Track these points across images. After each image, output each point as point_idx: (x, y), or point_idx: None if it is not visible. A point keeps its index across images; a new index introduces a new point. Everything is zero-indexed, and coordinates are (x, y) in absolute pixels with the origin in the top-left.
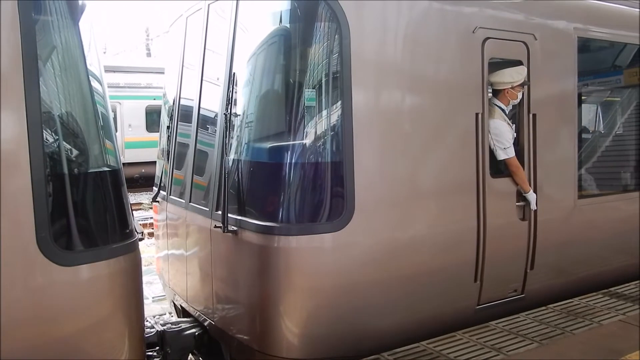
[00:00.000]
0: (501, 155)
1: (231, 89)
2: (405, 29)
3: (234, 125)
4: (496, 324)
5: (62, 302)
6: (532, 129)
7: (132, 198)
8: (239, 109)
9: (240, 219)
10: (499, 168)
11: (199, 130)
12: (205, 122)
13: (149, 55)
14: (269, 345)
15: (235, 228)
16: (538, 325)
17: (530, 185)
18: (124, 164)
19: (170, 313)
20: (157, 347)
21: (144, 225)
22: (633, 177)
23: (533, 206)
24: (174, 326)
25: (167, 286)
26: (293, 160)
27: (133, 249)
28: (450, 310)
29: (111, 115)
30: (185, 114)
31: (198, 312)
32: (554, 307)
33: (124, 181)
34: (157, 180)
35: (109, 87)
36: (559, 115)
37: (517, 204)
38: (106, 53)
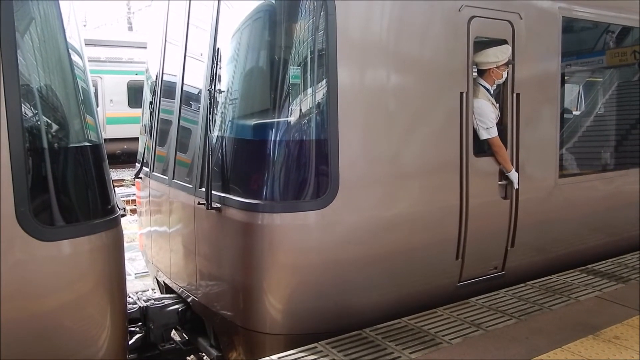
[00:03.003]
0: (484, 135)
1: (215, 65)
2: (391, 6)
3: (217, 101)
4: (476, 300)
5: (43, 278)
6: (515, 109)
7: (114, 174)
8: (223, 85)
9: (224, 196)
10: (482, 147)
11: (182, 107)
12: (189, 98)
13: (130, 29)
14: (252, 322)
15: (219, 205)
16: (517, 301)
17: (512, 165)
18: (105, 139)
19: (153, 289)
20: (140, 323)
21: (127, 202)
22: (612, 157)
23: (515, 185)
24: (157, 302)
25: (150, 262)
26: (278, 138)
27: (115, 225)
28: (432, 287)
29: (92, 89)
30: (168, 90)
31: (181, 289)
32: (533, 284)
33: (105, 156)
34: (139, 157)
35: (89, 61)
36: (542, 95)
37: (499, 182)
38: (86, 26)
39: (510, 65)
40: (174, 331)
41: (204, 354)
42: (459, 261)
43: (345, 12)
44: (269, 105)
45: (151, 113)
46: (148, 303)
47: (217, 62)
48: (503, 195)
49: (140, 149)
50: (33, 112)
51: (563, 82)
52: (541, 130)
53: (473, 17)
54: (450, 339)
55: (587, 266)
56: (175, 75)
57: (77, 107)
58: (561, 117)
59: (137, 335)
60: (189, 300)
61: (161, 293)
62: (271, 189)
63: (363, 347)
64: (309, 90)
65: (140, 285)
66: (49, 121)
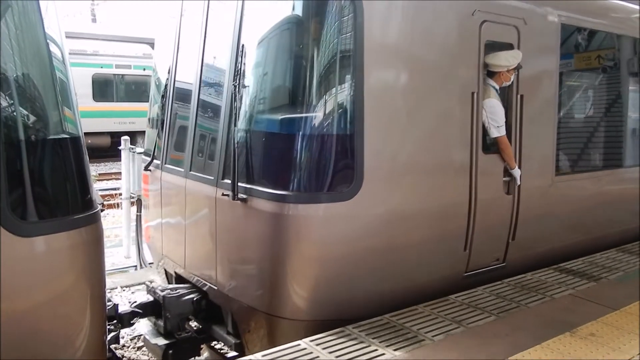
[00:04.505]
0: (494, 133)
1: (240, 61)
2: (412, 8)
3: (242, 96)
4: (456, 297)
5: (20, 275)
6: (519, 110)
7: None
8: (250, 81)
9: (250, 187)
10: (487, 145)
11: (200, 101)
12: (208, 93)
13: (94, 21)
14: (277, 308)
15: (244, 196)
16: (495, 298)
17: (515, 162)
18: None
19: (122, 287)
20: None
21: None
22: (602, 157)
23: (518, 181)
24: (172, 292)
25: (158, 253)
26: (308, 132)
27: (95, 221)
28: (442, 277)
29: (72, 82)
30: (183, 84)
31: (197, 278)
32: (509, 281)
33: (85, 150)
34: (147, 149)
35: None
36: (542, 97)
37: (503, 179)
38: None
39: (518, 70)
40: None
41: (216, 342)
42: (466, 252)
43: (372, 13)
44: (298, 101)
45: (163, 106)
46: (164, 293)
47: (242, 58)
48: (506, 191)
49: (148, 142)
50: (8, 103)
51: (560, 85)
52: (541, 130)
53: (484, 21)
54: (433, 336)
55: (560, 265)
56: (191, 70)
57: (54, 99)
58: (558, 119)
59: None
60: (205, 288)
61: (169, 283)
62: (299, 181)
63: (347, 343)
64: (338, 88)
65: (109, 283)
66: (26, 112)
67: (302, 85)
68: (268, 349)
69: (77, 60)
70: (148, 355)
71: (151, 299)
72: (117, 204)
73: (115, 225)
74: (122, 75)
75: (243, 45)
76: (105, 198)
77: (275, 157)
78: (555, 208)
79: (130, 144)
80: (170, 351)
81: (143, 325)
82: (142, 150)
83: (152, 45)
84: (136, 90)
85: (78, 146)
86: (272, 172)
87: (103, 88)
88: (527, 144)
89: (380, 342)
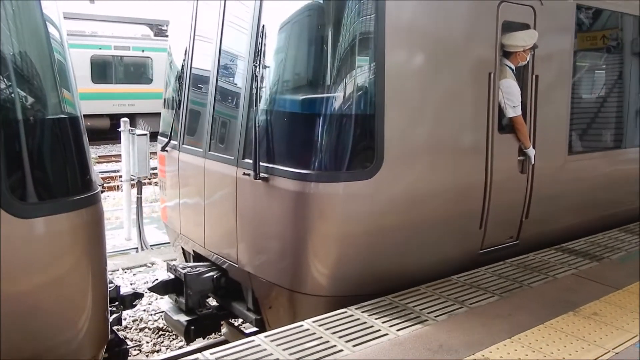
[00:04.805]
0: (510, 113)
1: (261, 42)
2: None
3: (263, 77)
4: (458, 278)
5: (20, 256)
6: (534, 90)
7: None
8: (269, 61)
9: (271, 167)
10: (502, 125)
11: (218, 82)
12: (227, 74)
13: (92, 1)
14: (299, 284)
15: (266, 175)
16: (497, 279)
17: (529, 142)
18: None
19: (123, 269)
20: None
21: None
22: (613, 137)
23: (532, 161)
24: (193, 270)
25: (176, 232)
26: (330, 112)
27: (95, 202)
28: (458, 254)
29: (70, 62)
30: (201, 65)
31: (216, 256)
32: (511, 261)
33: (84, 130)
34: (163, 130)
35: None
36: (556, 78)
37: (518, 158)
38: None
39: (534, 49)
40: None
41: (234, 319)
42: (481, 230)
43: None
44: (319, 81)
45: (180, 87)
46: (185, 270)
47: (262, 38)
48: (520, 170)
49: (164, 124)
50: (7, 84)
51: (575, 66)
52: (555, 110)
53: (502, 1)
54: (436, 316)
55: (562, 245)
56: (209, 51)
57: (53, 79)
58: (571, 99)
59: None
60: (224, 266)
61: (186, 262)
62: (321, 160)
63: (350, 324)
64: (359, 69)
65: (110, 265)
66: (24, 93)
67: (324, 65)
68: (289, 324)
69: (75, 42)
70: (150, 337)
71: (172, 276)
72: (117, 187)
73: (115, 207)
74: (121, 56)
75: (264, 26)
76: (106, 180)
77: (297, 137)
78: (567, 187)
79: (130, 126)
80: (192, 327)
81: (164, 303)
82: (141, 132)
83: (151, 26)
84: (135, 71)
85: (77, 127)
86: (294, 152)
87: (102, 70)
88: (541, 124)
89: (383, 323)
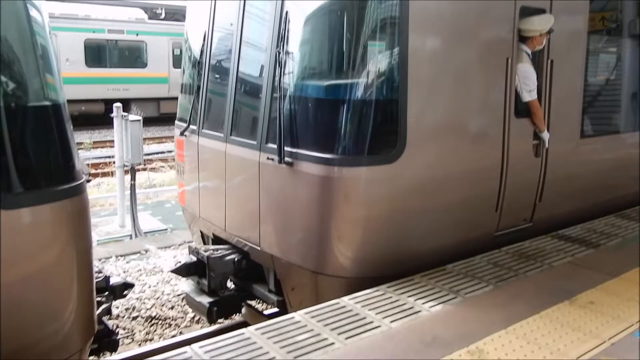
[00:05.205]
0: (526, 97)
1: (284, 27)
2: None
3: (286, 62)
4: (453, 267)
5: (3, 248)
6: (549, 74)
7: None
8: (293, 47)
9: (295, 152)
10: (518, 109)
11: (240, 67)
12: (249, 59)
13: None
14: (323, 266)
15: (290, 160)
16: (492, 267)
17: (544, 125)
18: None
19: (116, 256)
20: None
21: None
22: (624, 120)
23: (546, 144)
24: (215, 252)
25: (194, 216)
26: (355, 97)
27: (80, 192)
28: (476, 236)
29: (51, 46)
30: (221, 50)
31: (237, 239)
32: (507, 249)
33: (68, 117)
34: (181, 115)
35: None
36: (571, 62)
37: (532, 142)
38: None
39: (550, 34)
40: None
41: (254, 301)
42: (497, 213)
43: None
44: (343, 67)
45: (199, 72)
46: (208, 253)
47: (286, 24)
48: (535, 153)
49: (182, 109)
50: None
51: (588, 51)
52: (569, 94)
53: None
54: (430, 307)
55: (558, 232)
56: (230, 36)
57: (35, 64)
58: (584, 83)
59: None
60: (245, 249)
61: (204, 244)
62: (346, 144)
63: (343, 315)
64: (382, 54)
65: (103, 252)
66: (4, 79)
67: (348, 51)
68: (313, 305)
69: (68, 25)
70: (143, 325)
71: (194, 259)
72: (112, 172)
73: (110, 193)
74: (115, 40)
75: (287, 12)
76: (100, 166)
77: (321, 123)
78: (580, 169)
79: (125, 111)
80: (215, 308)
81: (185, 285)
82: (134, 118)
83: (145, 9)
84: (130, 55)
85: (60, 114)
86: (319, 137)
87: (95, 53)
88: (555, 108)
89: (376, 314)
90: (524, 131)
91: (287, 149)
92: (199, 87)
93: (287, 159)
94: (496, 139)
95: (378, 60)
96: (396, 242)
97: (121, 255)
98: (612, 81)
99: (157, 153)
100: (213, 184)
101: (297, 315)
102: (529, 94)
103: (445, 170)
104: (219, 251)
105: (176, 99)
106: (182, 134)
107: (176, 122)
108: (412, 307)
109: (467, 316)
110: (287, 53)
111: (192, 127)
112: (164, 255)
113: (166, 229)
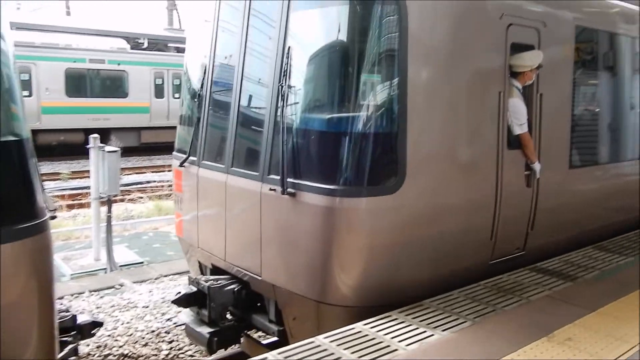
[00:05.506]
0: (517, 130)
1: (286, 62)
2: (451, 14)
3: (289, 96)
4: (431, 302)
5: None
6: (539, 107)
7: (50, 167)
8: (295, 81)
9: (297, 182)
10: (511, 141)
11: (241, 100)
12: (251, 92)
13: (68, 14)
14: (326, 295)
15: (293, 191)
16: (471, 302)
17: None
18: (40, 130)
19: (90, 291)
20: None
21: (62, 197)
22: (611, 151)
23: (538, 175)
24: (215, 283)
25: (192, 246)
26: (356, 130)
27: (42, 230)
28: (472, 264)
29: (15, 76)
30: (222, 82)
31: (237, 269)
32: (485, 283)
33: (32, 152)
34: (180, 146)
35: (22, 45)
36: (559, 95)
37: (525, 173)
38: (20, 9)
39: (539, 69)
40: None
41: (252, 331)
42: (492, 241)
43: (414, 16)
44: (345, 100)
45: (199, 105)
46: (209, 283)
47: (289, 59)
48: (526, 183)
49: (180, 140)
50: None
51: (574, 84)
52: (557, 126)
53: (510, 24)
54: (407, 345)
55: (536, 265)
56: (231, 68)
57: None
58: (571, 116)
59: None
60: (245, 279)
61: (202, 274)
62: (347, 176)
63: (316, 355)
64: (383, 88)
65: (77, 287)
66: None
67: (349, 85)
68: (313, 333)
69: (49, 54)
70: None
71: (194, 289)
72: (88, 204)
73: (86, 225)
74: (96, 70)
75: (289, 48)
76: (77, 197)
77: (323, 154)
78: (569, 199)
79: (105, 142)
80: (215, 339)
81: (184, 315)
82: (112, 149)
83: (127, 39)
84: (111, 85)
85: (23, 149)
86: (321, 168)
87: (76, 83)
88: (545, 140)
89: (352, 354)
90: (516, 162)
91: (289, 180)
92: (199, 119)
93: (289, 189)
94: (490, 170)
95: (377, 94)
96: (397, 270)
97: (95, 290)
98: (597, 113)
99: (137, 184)
100: (213, 214)
101: (317, 340)
102: (520, 127)
103: (444, 200)
104: (219, 281)
105: (157, 128)
106: (181, 164)
107: (174, 152)
108: (388, 346)
109: (444, 354)
110: (290, 87)
111: (192, 157)
112: (139, 289)
113: (142, 262)
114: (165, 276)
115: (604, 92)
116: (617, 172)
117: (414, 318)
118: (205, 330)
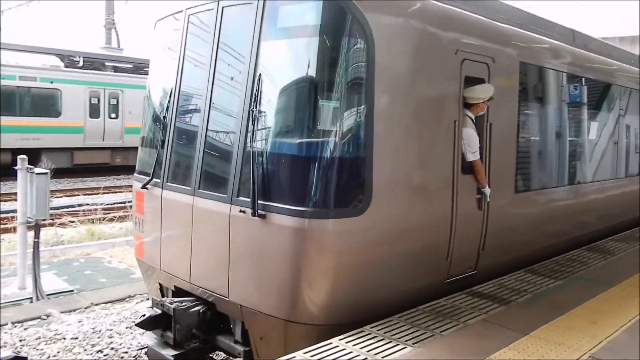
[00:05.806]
0: (470, 158)
1: (257, 89)
2: (413, 47)
3: (260, 120)
4: (371, 328)
5: None
6: (489, 136)
7: None
8: (265, 106)
9: (267, 204)
10: (463, 167)
11: (209, 124)
12: (219, 115)
13: None
14: (295, 314)
15: (263, 212)
16: (410, 327)
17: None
18: None
19: (13, 323)
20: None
21: None
22: (552, 176)
23: (488, 199)
24: (180, 305)
25: (153, 269)
26: (327, 155)
27: None
28: (430, 283)
29: None
30: (188, 106)
31: (202, 290)
32: (424, 308)
33: None
34: (142, 168)
35: None
36: (505, 125)
37: (476, 196)
38: None
39: (490, 100)
40: None
41: (214, 354)
42: (448, 261)
43: (382, 48)
44: (316, 126)
45: (164, 127)
46: (174, 305)
47: (259, 85)
48: (478, 206)
49: (142, 162)
50: None
51: (519, 114)
52: (504, 153)
53: (464, 59)
54: None
55: (472, 288)
56: (199, 94)
57: None
58: (517, 144)
59: None
60: (210, 299)
61: (162, 297)
62: (318, 198)
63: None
64: (351, 114)
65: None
66: None
67: (319, 112)
68: (281, 352)
69: None
70: None
71: (159, 312)
72: (14, 228)
73: (11, 251)
74: (27, 87)
75: (260, 75)
76: (3, 221)
77: (294, 178)
78: (516, 221)
79: (35, 163)
80: None
81: (147, 338)
82: (41, 170)
83: (61, 57)
84: (42, 103)
85: None
86: (291, 191)
87: (5, 101)
88: (494, 166)
89: None
90: (469, 186)
91: (259, 202)
92: (163, 142)
93: (260, 211)
94: (447, 193)
95: (344, 120)
96: (363, 289)
97: (18, 322)
98: (537, 142)
99: (68, 207)
100: (178, 236)
101: (298, 355)
102: (473, 155)
103: (406, 222)
104: (184, 303)
105: (92, 149)
106: (144, 187)
107: (135, 174)
108: None
109: None
110: (260, 112)
111: (155, 179)
112: (67, 319)
113: (72, 290)
114: (97, 305)
115: (544, 122)
116: (558, 197)
117: (354, 345)
118: (170, 353)
